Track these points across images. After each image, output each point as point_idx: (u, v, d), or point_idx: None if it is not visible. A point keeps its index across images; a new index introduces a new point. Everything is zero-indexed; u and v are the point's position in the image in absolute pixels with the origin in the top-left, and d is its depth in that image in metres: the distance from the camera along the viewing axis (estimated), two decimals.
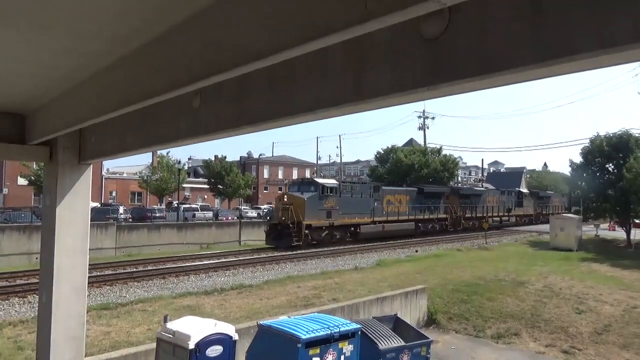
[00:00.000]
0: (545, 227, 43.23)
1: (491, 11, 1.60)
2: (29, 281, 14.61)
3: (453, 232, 39.97)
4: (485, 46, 1.62)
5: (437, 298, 16.34)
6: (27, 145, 6.12)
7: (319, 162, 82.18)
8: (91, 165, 6.65)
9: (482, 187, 57.86)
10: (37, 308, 12.04)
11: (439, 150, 57.87)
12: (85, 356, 5.95)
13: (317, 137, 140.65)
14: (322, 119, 2.86)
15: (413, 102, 2.45)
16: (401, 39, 1.93)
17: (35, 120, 5.87)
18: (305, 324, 6.09)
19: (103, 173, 55.06)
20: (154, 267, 18.25)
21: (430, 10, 1.46)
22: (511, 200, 49.61)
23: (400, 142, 70.13)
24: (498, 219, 47.08)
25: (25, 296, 13.40)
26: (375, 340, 7.51)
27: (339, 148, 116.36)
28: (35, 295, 13.19)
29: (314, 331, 5.87)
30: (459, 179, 78.04)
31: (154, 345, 6.25)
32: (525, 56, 1.49)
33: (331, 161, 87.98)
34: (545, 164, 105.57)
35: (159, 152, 48.90)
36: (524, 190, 53.89)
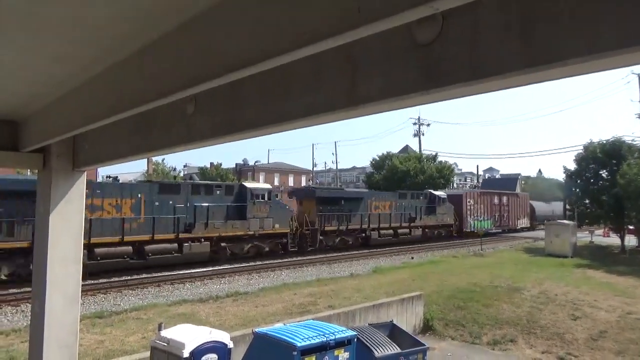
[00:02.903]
0: (536, 233, 43.27)
1: (483, 16, 1.61)
2: (21, 290, 14.47)
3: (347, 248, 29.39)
4: (477, 52, 1.63)
5: (433, 304, 16.32)
6: (21, 153, 6.08)
7: (315, 168, 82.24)
8: (85, 173, 6.61)
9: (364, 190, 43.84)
10: (29, 317, 11.94)
11: (435, 157, 58.04)
12: None
13: (313, 144, 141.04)
14: (316, 124, 2.86)
15: (406, 108, 2.45)
16: (394, 44, 1.94)
17: (28, 127, 5.84)
18: (301, 332, 6.05)
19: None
20: (149, 275, 18.14)
21: (423, 16, 1.46)
22: (417, 207, 34.70)
23: (396, 149, 70.43)
24: (391, 231, 31.84)
25: (18, 305, 13.27)
26: (371, 348, 7.48)
27: (335, 155, 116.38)
28: (28, 304, 13.07)
29: (310, 338, 5.83)
30: (455, 185, 78.24)
31: (148, 353, 6.19)
32: (516, 62, 1.50)
33: (327, 168, 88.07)
34: (540, 171, 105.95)
35: (154, 159, 48.82)
36: (440, 193, 39.45)
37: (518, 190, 65.08)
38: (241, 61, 2.21)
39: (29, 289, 14.23)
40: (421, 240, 34.28)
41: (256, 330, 6.36)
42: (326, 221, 27.32)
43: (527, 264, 25.34)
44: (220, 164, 55.41)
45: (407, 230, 33.17)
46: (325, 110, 2.39)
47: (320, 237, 26.98)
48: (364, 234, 29.47)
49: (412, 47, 1.87)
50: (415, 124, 64.65)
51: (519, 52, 1.49)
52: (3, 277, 15.48)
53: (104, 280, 16.51)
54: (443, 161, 57.70)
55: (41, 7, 2.42)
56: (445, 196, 38.45)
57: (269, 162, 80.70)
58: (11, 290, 14.56)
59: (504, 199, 47.99)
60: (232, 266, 20.82)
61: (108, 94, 3.72)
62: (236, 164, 73.44)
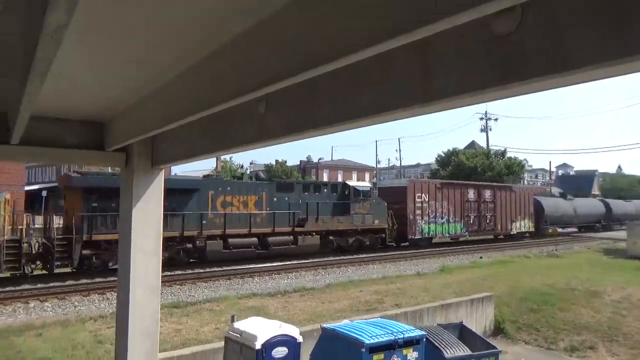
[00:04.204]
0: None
1: (568, 3, 1.53)
2: (107, 279, 15.57)
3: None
4: (562, 42, 1.55)
5: (505, 306, 15.69)
6: (105, 152, 6.52)
7: (378, 165, 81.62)
8: (163, 170, 6.99)
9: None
10: (114, 305, 12.82)
11: (503, 153, 55.70)
12: (159, 352, 6.25)
13: (376, 141, 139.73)
14: (387, 121, 2.84)
15: (481, 103, 2.38)
16: (470, 37, 1.88)
17: (112, 128, 6.24)
18: (368, 329, 6.05)
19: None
20: (220, 269, 18.87)
21: (505, 7, 1.42)
22: (313, 204, 23.39)
23: (461, 145, 68.26)
24: (254, 239, 21.14)
25: (104, 293, 14.29)
26: (441, 348, 7.33)
27: (399, 151, 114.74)
28: (112, 292, 14.04)
29: (378, 336, 5.82)
30: (525, 182, 74.59)
31: (222, 343, 6.45)
32: (608, 51, 1.41)
33: (390, 164, 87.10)
34: (619, 167, 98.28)
35: (222, 157, 50.65)
36: (360, 184, 28.57)
37: (595, 188, 58.39)
38: (313, 60, 2.24)
39: (112, 279, 15.31)
40: (322, 252, 23.78)
41: (324, 325, 6.44)
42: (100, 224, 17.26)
43: (607, 267, 23.69)
44: (285, 162, 56.43)
45: (288, 238, 22.32)
46: (397, 107, 2.37)
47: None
48: (190, 245, 19.34)
49: (488, 39, 1.81)
50: (482, 118, 62.38)
51: (611, 41, 1.40)
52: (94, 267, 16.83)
53: (180, 272, 17.37)
54: (512, 157, 55.20)
55: (124, 12, 2.58)
56: (370, 188, 27.12)
57: (332, 159, 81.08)
58: (97, 279, 15.71)
59: (487, 193, 34.60)
60: (299, 262, 21.19)
61: (183, 96, 3.91)
62: (300, 161, 74.44)
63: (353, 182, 27.81)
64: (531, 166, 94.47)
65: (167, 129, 4.70)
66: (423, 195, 29.82)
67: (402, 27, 1.60)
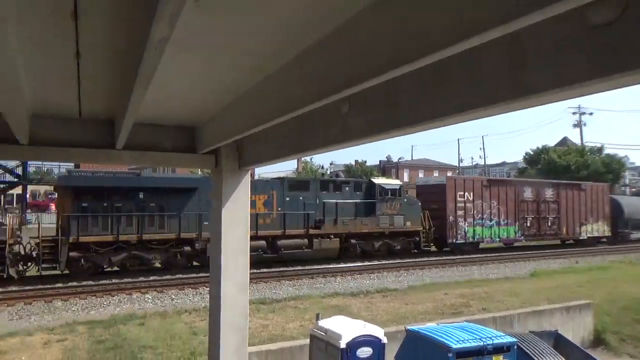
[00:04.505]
0: None
1: None
2: (198, 274, 16.51)
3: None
4: None
5: (605, 315, 14.47)
6: (197, 155, 6.93)
7: (461, 164, 78.80)
8: (249, 171, 7.29)
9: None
10: (206, 299, 13.56)
11: (600, 149, 51.35)
12: (248, 345, 6.54)
13: (458, 139, 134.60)
14: (473, 119, 2.76)
15: (577, 97, 2.23)
16: (564, 28, 1.78)
17: (203, 132, 6.61)
18: (455, 333, 5.88)
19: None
20: (302, 267, 19.26)
21: None
22: (332, 204, 21.08)
23: (550, 142, 63.87)
24: (262, 242, 19.30)
25: (196, 287, 15.20)
26: (534, 357, 6.93)
27: (482, 149, 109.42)
28: (204, 287, 14.88)
29: (466, 341, 5.64)
30: (627, 181, 68.10)
31: (307, 341, 6.60)
32: None
33: (474, 163, 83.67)
34: None
35: (303, 158, 51.63)
36: (389, 181, 24.74)
37: None
38: (397, 59, 2.23)
39: (203, 274, 16.23)
40: (344, 258, 21.50)
41: (409, 327, 6.36)
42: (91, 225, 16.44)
43: None
44: (365, 162, 56.31)
45: (301, 241, 20.19)
46: (485, 104, 2.29)
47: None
48: (188, 248, 17.99)
49: (586, 30, 1.69)
50: (575, 113, 57.97)
51: None
52: (158, 265, 17.46)
53: (265, 270, 17.99)
54: (611, 154, 50.68)
55: (216, 21, 2.73)
56: (399, 187, 23.52)
57: (413, 158, 79.55)
58: (191, 275, 16.73)
59: (548, 192, 29.41)
60: (380, 262, 21.06)
61: (270, 99, 4.05)
62: (380, 161, 73.88)
63: (380, 180, 24.25)
64: (633, 163, 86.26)
65: (254, 132, 4.91)
66: (466, 193, 25.92)
67: (492, 22, 1.55)
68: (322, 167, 52.95)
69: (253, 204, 18.80)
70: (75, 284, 15.01)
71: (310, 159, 53.06)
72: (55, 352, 9.09)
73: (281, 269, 18.62)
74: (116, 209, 16.38)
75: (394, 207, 22.67)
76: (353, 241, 21.58)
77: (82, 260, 15.91)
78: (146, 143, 6.51)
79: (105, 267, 16.81)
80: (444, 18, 1.82)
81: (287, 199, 19.78)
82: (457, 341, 5.59)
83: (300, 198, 20.32)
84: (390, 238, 22.91)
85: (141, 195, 16.88)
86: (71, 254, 15.68)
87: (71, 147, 6.02)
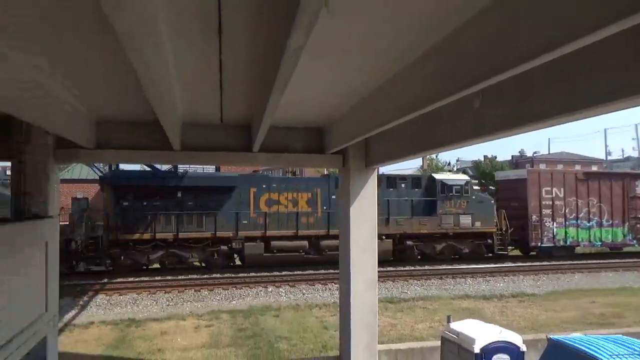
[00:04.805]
0: None
1: None
2: (327, 271, 17.03)
3: None
4: None
5: None
6: (325, 155, 7.17)
7: (609, 157, 70.06)
8: (376, 170, 7.34)
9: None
10: (335, 295, 13.95)
11: None
12: (377, 343, 6.60)
13: (605, 129, 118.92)
14: (620, 109, 2.47)
15: None
16: None
17: (331, 132, 6.81)
18: (607, 346, 5.27)
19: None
20: (431, 267, 18.81)
21: None
22: (384, 202, 18.29)
23: None
24: (304, 242, 18.29)
25: (326, 283, 15.71)
26: None
27: (637, 139, 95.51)
28: (332, 283, 15.31)
29: (620, 356, 5.02)
30: None
31: (437, 342, 6.44)
32: None
33: (625, 156, 73.71)
34: None
35: (428, 155, 50.24)
36: (454, 177, 21.77)
37: None
38: (530, 52, 2.08)
39: (332, 271, 16.72)
40: (395, 259, 19.44)
41: (552, 337, 5.85)
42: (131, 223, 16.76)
43: None
44: (495, 157, 52.97)
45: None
46: (624, 96, 2.05)
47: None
48: (225, 247, 17.54)
49: None
50: None
51: None
52: (196, 263, 17.51)
53: (392, 269, 17.93)
54: None
55: (346, 27, 2.80)
56: (465, 182, 20.66)
57: (550, 152, 72.78)
58: (321, 271, 17.34)
59: None
60: (515, 265, 19.69)
61: (396, 98, 4.04)
62: (512, 156, 68.76)
63: (442, 175, 21.73)
64: None
65: (379, 131, 4.93)
66: (555, 189, 21.83)
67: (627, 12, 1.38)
68: (449, 164, 51.08)
69: (295, 203, 18.13)
70: (218, 275, 16.49)
71: (436, 156, 51.47)
72: (204, 335, 10.09)
73: (408, 268, 18.39)
74: (155, 207, 16.70)
75: (459, 206, 20.27)
76: (409, 243, 19.63)
77: (122, 258, 16.39)
78: (279, 145, 6.91)
79: (145, 264, 17.25)
80: (586, 6, 1.66)
81: (334, 197, 18.41)
82: (610, 355, 4.99)
83: None
84: (456, 240, 20.35)
85: (179, 194, 17.28)
86: (112, 251, 16.23)
87: (214, 151, 6.64)
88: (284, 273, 17.02)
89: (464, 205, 20.22)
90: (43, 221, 5.26)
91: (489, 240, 20.55)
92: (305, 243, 18.09)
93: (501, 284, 16.68)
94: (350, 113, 5.58)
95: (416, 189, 19.93)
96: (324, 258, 18.11)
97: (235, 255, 18.24)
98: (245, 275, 16.64)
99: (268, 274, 16.91)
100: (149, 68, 2.40)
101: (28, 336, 4.63)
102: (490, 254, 20.68)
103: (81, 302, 12.93)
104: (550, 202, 21.75)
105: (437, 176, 20.99)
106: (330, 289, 14.98)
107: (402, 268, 18.38)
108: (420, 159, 52.50)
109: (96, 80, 3.99)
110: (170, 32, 2.73)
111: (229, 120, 6.27)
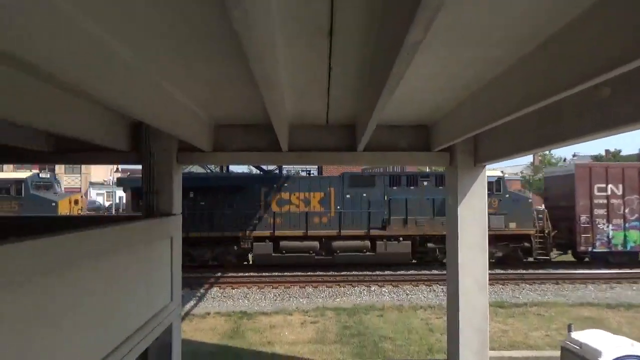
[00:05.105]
0: None
1: None
2: (442, 272, 16.53)
3: None
4: None
5: None
6: (431, 152, 7.00)
7: None
8: (485, 167, 7.02)
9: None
10: (439, 296, 13.58)
11: None
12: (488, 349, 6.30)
13: None
14: None
15: None
16: None
17: (437, 130, 6.64)
18: None
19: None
20: (544, 271, 17.52)
21: None
22: (404, 201, 17.96)
23: None
24: (315, 243, 17.52)
25: (430, 285, 15.34)
26: None
27: None
28: (437, 285, 14.92)
29: None
30: None
31: (556, 353, 6.00)
32: None
33: None
34: None
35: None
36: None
37: None
38: None
39: (436, 272, 16.28)
40: (417, 262, 18.09)
41: None
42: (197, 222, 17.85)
43: None
44: (619, 151, 47.76)
45: (361, 243, 17.66)
46: None
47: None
48: (235, 247, 17.57)
49: None
50: None
51: None
52: (211, 263, 17.57)
53: (501, 271, 17.00)
54: None
55: (464, 17, 2.71)
56: (497, 179, 18.50)
57: None
58: (424, 272, 16.98)
59: None
60: None
61: (513, 90, 3.82)
62: None
63: None
64: None
65: (491, 127, 4.70)
66: (611, 186, 18.83)
67: None
68: (564, 160, 47.13)
69: (307, 202, 17.65)
70: (321, 273, 16.84)
71: (549, 152, 47.76)
72: (310, 331, 10.39)
73: (520, 271, 17.29)
74: None
75: (489, 205, 18.10)
76: (430, 245, 18.12)
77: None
78: (384, 144, 6.89)
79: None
80: None
81: (348, 196, 17.88)
82: None
83: (364, 195, 18.05)
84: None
85: (191, 194, 17.52)
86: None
87: (320, 152, 6.80)
88: (386, 273, 16.96)
89: (495, 205, 18.21)
90: (169, 218, 5.78)
91: (526, 244, 18.34)
92: (316, 244, 17.53)
93: (629, 292, 15.07)
94: (459, 109, 5.41)
95: (440, 187, 18.26)
96: (335, 260, 17.55)
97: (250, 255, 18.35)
98: (348, 273, 16.84)
99: (370, 273, 16.94)
100: (269, 78, 2.53)
101: (158, 322, 5.11)
102: (532, 259, 18.45)
103: (198, 294, 13.98)
104: (605, 201, 18.84)
105: None
106: (434, 291, 14.61)
107: (512, 271, 17.37)
108: (531, 155, 49.10)
109: (218, 90, 4.30)
110: (283, 40, 2.86)
111: (334, 121, 6.39)
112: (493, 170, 18.25)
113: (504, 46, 3.27)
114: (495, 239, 17.71)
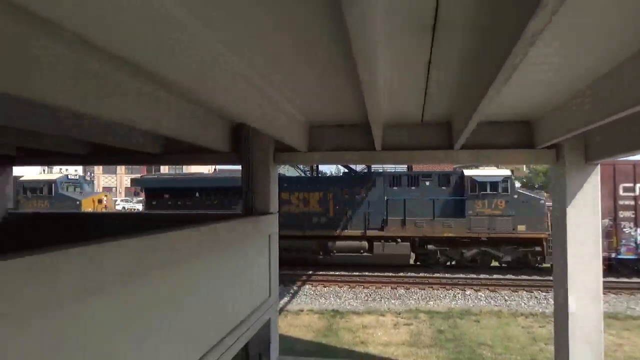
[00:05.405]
0: None
1: None
2: (531, 277, 15.63)
3: None
4: None
5: None
6: (534, 150, 6.55)
7: None
8: (598, 166, 6.43)
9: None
10: (543, 304, 12.73)
11: None
12: None
13: None
14: None
15: None
16: None
17: (541, 125, 6.21)
18: None
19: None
20: None
21: None
22: (405, 200, 16.69)
23: None
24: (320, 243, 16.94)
25: (531, 291, 14.42)
26: None
27: None
28: (539, 291, 13.99)
29: None
30: None
31: None
32: None
33: None
34: None
35: None
36: (488, 172, 16.10)
37: None
38: None
39: (537, 277, 15.25)
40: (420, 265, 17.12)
41: None
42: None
43: None
44: None
45: (357, 244, 16.95)
46: None
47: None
48: None
49: None
50: None
51: None
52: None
53: (613, 279, 15.54)
54: None
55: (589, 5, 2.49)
56: (503, 179, 16.77)
57: None
58: (523, 277, 16.02)
59: None
60: None
61: (630, 84, 3.47)
62: None
63: (473, 171, 18.07)
64: None
65: (607, 121, 4.30)
66: (638, 186, 16.34)
67: None
68: None
69: (306, 203, 17.68)
70: (413, 274, 16.52)
71: None
72: (403, 333, 10.22)
73: (635, 280, 15.69)
74: (177, 206, 18.62)
75: (495, 206, 16.70)
76: (431, 247, 17.08)
77: None
78: (482, 141, 6.58)
79: None
80: None
81: (347, 196, 17.54)
82: None
83: (364, 195, 17.48)
84: (492, 246, 16.79)
85: (197, 194, 19.21)
86: None
87: (414, 150, 6.66)
88: (482, 276, 16.24)
89: (501, 206, 16.91)
90: (267, 217, 5.98)
91: (537, 248, 16.70)
92: (314, 244, 17.46)
93: None
94: (569, 102, 5.02)
95: (443, 187, 17.48)
96: (333, 260, 17.41)
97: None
98: (441, 276, 16.38)
99: (464, 276, 16.34)
100: (374, 78, 2.51)
101: (257, 317, 5.31)
102: (539, 265, 16.81)
103: (291, 291, 14.37)
104: (632, 202, 16.61)
105: (468, 172, 18.00)
106: (536, 297, 13.73)
107: (625, 280, 15.82)
108: None
109: (315, 93, 4.38)
110: (385, 39, 2.82)
111: (430, 119, 6.23)
112: (491, 169, 17.63)
113: (623, 36, 2.96)
114: (500, 242, 16.98)
